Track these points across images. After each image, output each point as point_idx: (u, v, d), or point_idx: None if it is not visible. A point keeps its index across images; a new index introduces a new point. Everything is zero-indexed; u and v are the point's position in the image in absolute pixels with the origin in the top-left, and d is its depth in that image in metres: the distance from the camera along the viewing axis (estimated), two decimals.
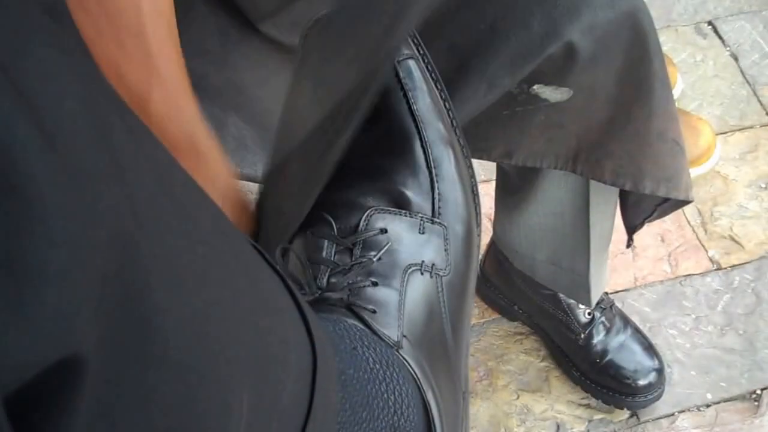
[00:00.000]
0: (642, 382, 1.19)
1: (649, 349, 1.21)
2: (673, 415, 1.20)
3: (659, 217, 0.96)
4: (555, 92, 0.83)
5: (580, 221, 1.01)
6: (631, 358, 1.20)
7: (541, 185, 1.01)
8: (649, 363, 1.20)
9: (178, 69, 0.70)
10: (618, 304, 1.29)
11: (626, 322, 1.22)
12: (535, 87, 0.83)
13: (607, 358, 1.19)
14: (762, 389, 1.23)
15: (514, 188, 1.06)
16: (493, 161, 0.88)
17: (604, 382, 1.20)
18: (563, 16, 0.79)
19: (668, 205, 0.93)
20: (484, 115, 0.82)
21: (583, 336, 1.20)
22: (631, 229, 1.00)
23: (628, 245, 1.03)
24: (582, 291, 1.12)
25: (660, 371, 1.20)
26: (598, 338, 1.20)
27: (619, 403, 1.20)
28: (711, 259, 1.35)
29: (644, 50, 0.80)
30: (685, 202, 0.91)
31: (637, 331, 1.22)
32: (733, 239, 1.37)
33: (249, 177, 0.94)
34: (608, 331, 1.20)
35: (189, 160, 0.68)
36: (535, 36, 0.79)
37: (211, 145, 0.70)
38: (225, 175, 0.73)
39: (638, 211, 0.96)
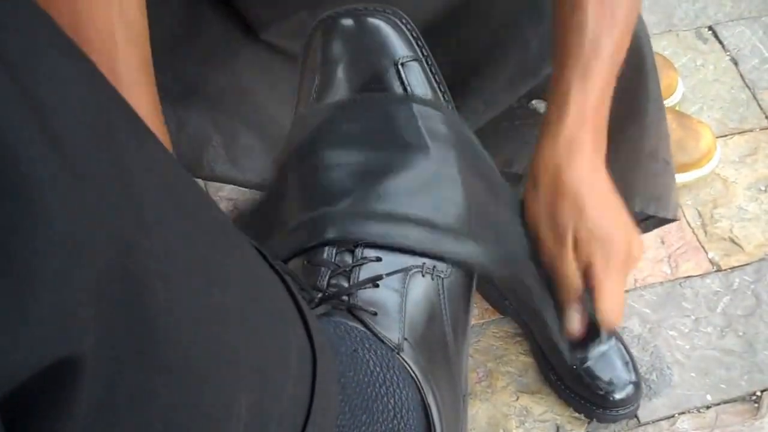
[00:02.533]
0: (617, 396, 1.17)
1: (630, 363, 1.19)
2: (672, 416, 1.20)
3: (644, 232, 0.96)
4: None
5: None
6: (610, 369, 1.18)
7: None
8: (626, 376, 1.18)
9: (149, 107, 0.70)
10: None
11: (612, 333, 1.21)
12: (533, 102, 0.84)
13: (584, 366, 1.17)
14: (762, 391, 1.23)
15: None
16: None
17: (578, 390, 1.18)
18: None
19: (651, 222, 0.94)
20: (485, 127, 0.83)
21: None
22: None
23: None
24: None
25: (637, 385, 1.18)
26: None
27: (589, 413, 1.19)
28: (711, 261, 1.35)
29: (640, 70, 0.80)
30: (671, 221, 0.92)
31: (621, 345, 1.21)
32: (732, 241, 1.37)
33: (255, 185, 0.94)
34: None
35: None
36: (532, 58, 0.79)
37: None
38: None
39: None
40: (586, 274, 0.68)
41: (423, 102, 0.66)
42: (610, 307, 0.68)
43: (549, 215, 0.68)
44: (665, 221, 0.93)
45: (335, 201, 0.64)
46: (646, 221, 0.94)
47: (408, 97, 0.65)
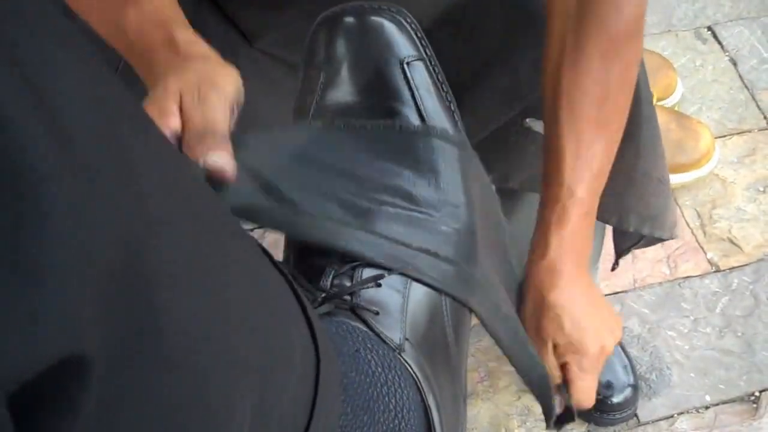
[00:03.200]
0: (615, 399, 1.17)
1: (628, 366, 1.20)
2: (672, 417, 1.21)
3: (644, 246, 0.98)
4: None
5: None
6: (608, 372, 1.18)
7: (528, 197, 1.02)
8: (624, 379, 1.18)
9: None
10: (617, 306, 1.30)
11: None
12: (527, 120, 0.85)
13: None
14: (760, 391, 1.23)
15: (506, 196, 1.07)
16: (492, 184, 0.89)
17: None
18: None
19: (648, 239, 0.94)
20: (481, 143, 0.83)
21: None
22: (619, 253, 1.01)
23: (613, 268, 1.04)
24: None
25: (635, 388, 1.19)
26: None
27: (587, 416, 1.19)
28: (710, 261, 1.36)
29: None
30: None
31: (620, 348, 1.20)
32: (731, 241, 1.38)
33: None
34: None
35: (167, 52, 0.69)
36: (522, 79, 0.80)
37: (190, 40, 0.70)
38: (210, 61, 0.71)
39: (625, 238, 0.98)
40: (563, 370, 0.80)
41: (443, 137, 0.66)
42: (583, 398, 0.81)
43: (534, 327, 0.79)
44: (663, 239, 0.94)
45: (335, 208, 0.64)
46: (644, 239, 0.95)
47: (429, 131, 0.66)
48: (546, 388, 0.76)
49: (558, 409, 0.80)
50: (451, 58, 0.74)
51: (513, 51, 0.83)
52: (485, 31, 0.85)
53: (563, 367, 0.80)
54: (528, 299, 0.80)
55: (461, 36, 0.85)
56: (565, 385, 0.80)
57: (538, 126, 0.86)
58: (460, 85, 0.74)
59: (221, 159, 0.60)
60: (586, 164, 0.77)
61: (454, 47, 0.83)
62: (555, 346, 0.79)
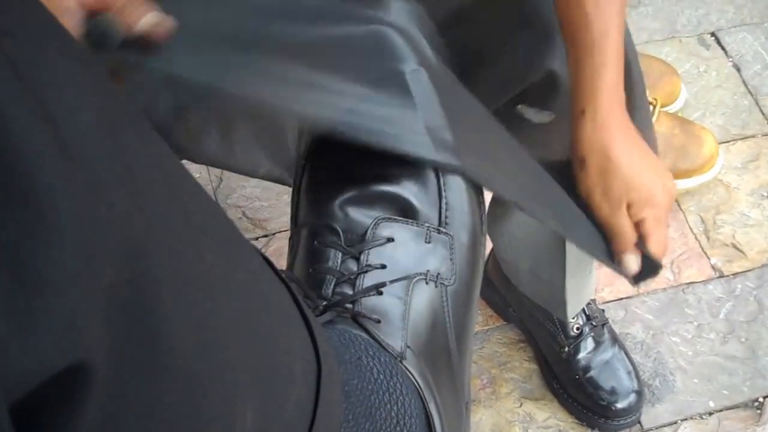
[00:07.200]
0: (619, 405, 1.17)
1: (632, 372, 1.20)
2: (675, 423, 1.20)
3: None
4: (537, 114, 0.85)
5: (557, 235, 1.02)
6: (612, 378, 1.18)
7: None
8: (628, 385, 1.18)
9: None
10: (621, 312, 1.29)
11: (615, 341, 1.21)
12: (519, 107, 0.85)
13: (587, 375, 1.18)
14: (764, 397, 1.23)
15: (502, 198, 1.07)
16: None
17: (580, 399, 1.19)
18: (545, 45, 0.80)
19: None
20: None
21: (567, 349, 1.18)
22: None
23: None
24: (558, 304, 1.12)
25: (639, 394, 1.19)
26: (583, 353, 1.19)
27: (591, 422, 1.19)
28: (713, 267, 1.36)
29: (626, 80, 0.80)
30: None
31: (624, 353, 1.21)
32: (735, 247, 1.37)
33: (248, 171, 0.97)
34: (595, 347, 1.19)
35: None
36: (518, 65, 0.80)
37: None
38: None
39: None
40: (638, 227, 0.81)
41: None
42: (661, 248, 0.82)
43: (603, 190, 0.79)
44: None
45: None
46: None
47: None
48: (598, 243, 0.78)
49: (635, 267, 0.82)
50: (449, 48, 0.74)
51: (508, 37, 0.83)
52: (480, 20, 0.85)
53: (637, 225, 0.81)
54: (589, 165, 0.80)
55: (457, 26, 0.85)
56: (642, 241, 0.82)
57: (529, 113, 0.86)
58: (455, 72, 0.74)
59: (154, 18, 0.57)
60: (611, 9, 0.76)
61: (449, 38, 0.83)
62: (628, 205, 0.80)
